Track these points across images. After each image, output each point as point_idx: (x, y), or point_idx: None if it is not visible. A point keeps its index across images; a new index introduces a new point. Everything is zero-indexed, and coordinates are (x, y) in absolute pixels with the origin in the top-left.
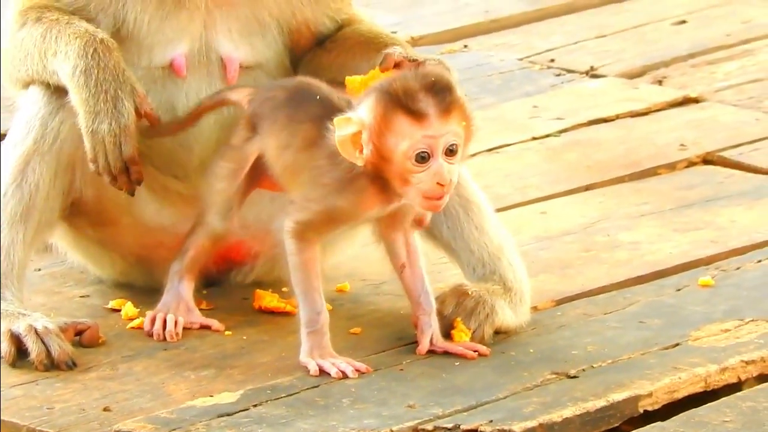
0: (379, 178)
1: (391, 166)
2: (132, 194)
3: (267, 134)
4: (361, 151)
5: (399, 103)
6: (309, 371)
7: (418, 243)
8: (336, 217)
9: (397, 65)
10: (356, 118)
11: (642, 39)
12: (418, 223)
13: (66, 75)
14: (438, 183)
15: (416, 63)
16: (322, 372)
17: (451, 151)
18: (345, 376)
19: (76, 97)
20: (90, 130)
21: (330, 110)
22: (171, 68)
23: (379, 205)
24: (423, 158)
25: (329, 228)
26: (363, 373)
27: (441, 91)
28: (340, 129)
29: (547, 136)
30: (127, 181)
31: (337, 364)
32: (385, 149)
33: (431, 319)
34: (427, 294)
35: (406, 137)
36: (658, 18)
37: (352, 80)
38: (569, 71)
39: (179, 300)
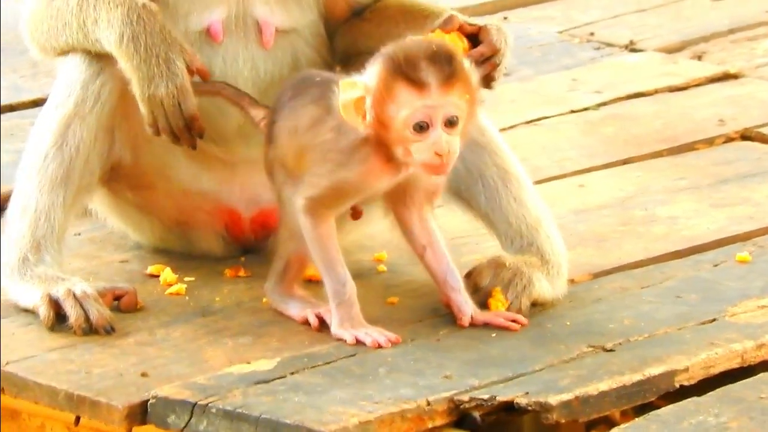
0: (383, 146)
1: (390, 134)
2: (195, 148)
3: (279, 133)
4: (364, 117)
5: (400, 70)
6: (346, 341)
7: (435, 222)
8: (345, 189)
9: (460, 28)
10: (360, 83)
11: (681, 14)
12: (429, 198)
13: (113, 43)
14: (436, 153)
15: (477, 27)
16: (358, 341)
17: (451, 123)
18: (379, 345)
19: (127, 65)
20: (147, 95)
21: (331, 89)
22: (207, 33)
23: (386, 174)
24: (422, 128)
25: (340, 202)
26: (394, 343)
27: (444, 61)
28: (345, 92)
29: (586, 109)
30: (189, 137)
31: (370, 333)
32: (385, 116)
33: (462, 295)
34: (452, 271)
35: (405, 106)
36: None
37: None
38: (608, 45)
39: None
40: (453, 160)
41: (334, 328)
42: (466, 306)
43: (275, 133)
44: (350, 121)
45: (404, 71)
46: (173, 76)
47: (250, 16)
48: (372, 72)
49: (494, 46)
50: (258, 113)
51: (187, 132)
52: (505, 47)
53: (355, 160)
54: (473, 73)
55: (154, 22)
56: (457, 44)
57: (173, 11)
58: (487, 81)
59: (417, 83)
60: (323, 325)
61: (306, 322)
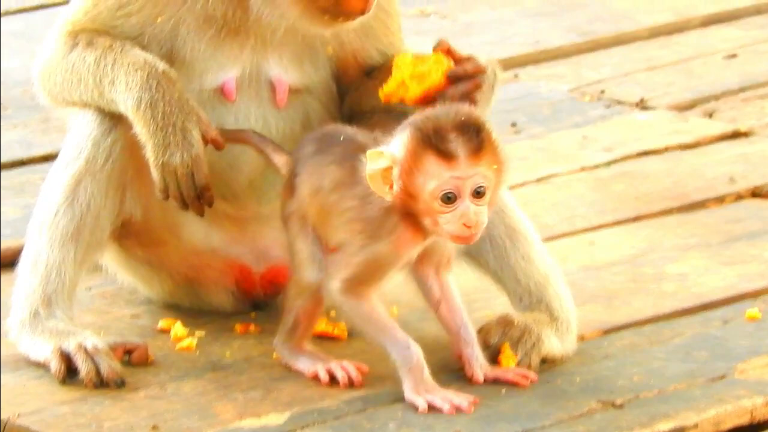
0: (411, 215)
1: (418, 205)
2: (203, 216)
3: (300, 187)
4: (391, 187)
5: (429, 142)
6: (417, 408)
7: (451, 278)
8: (379, 263)
9: (449, 52)
10: (387, 153)
11: (692, 72)
12: (447, 256)
13: (130, 108)
14: (464, 225)
15: (467, 56)
16: (432, 408)
17: (478, 193)
18: (459, 410)
19: (143, 130)
20: (161, 162)
21: (356, 149)
22: (221, 92)
23: (416, 242)
24: (449, 199)
25: (377, 276)
26: (474, 404)
27: (472, 131)
28: (372, 163)
29: (596, 166)
30: (199, 206)
31: (447, 398)
32: (413, 187)
33: (475, 350)
34: (466, 326)
35: (434, 177)
36: (708, 52)
37: (402, 57)
38: (619, 103)
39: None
40: (481, 230)
41: (408, 394)
42: (478, 361)
43: (296, 185)
44: (377, 191)
45: (433, 142)
46: (189, 146)
47: (264, 74)
48: (399, 141)
49: (479, 66)
50: (281, 159)
51: (197, 201)
52: (492, 75)
53: (384, 230)
54: (500, 143)
55: (173, 89)
56: (441, 62)
57: (188, 69)
58: (470, 105)
59: (446, 155)
60: (333, 380)
61: (316, 377)
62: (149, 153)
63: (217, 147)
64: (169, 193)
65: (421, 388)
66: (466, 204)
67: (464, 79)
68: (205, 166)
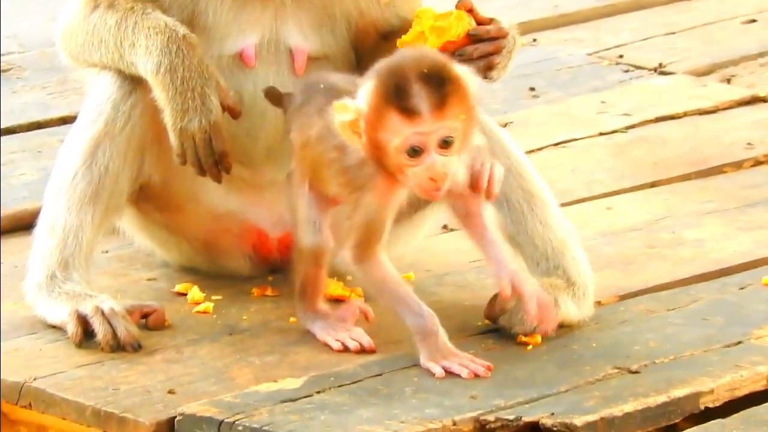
0: (382, 165)
1: (386, 158)
2: (220, 182)
3: (293, 141)
4: (360, 138)
5: (391, 98)
6: (434, 375)
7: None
8: (370, 217)
9: (471, 12)
10: (353, 106)
11: (710, 37)
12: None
13: (149, 72)
14: (430, 178)
15: (489, 18)
16: (449, 374)
17: (446, 143)
18: (476, 375)
19: (161, 95)
20: (179, 127)
21: (337, 97)
22: (240, 58)
23: (395, 190)
24: (416, 152)
25: (375, 232)
26: (489, 370)
27: (435, 83)
28: (339, 115)
29: (614, 132)
30: (216, 172)
31: (465, 363)
32: (378, 141)
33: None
34: (500, 260)
35: (397, 133)
36: (727, 17)
37: (424, 10)
38: (637, 67)
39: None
40: (449, 180)
41: (423, 361)
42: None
43: (292, 143)
44: (350, 141)
45: (395, 98)
46: (207, 112)
47: (283, 41)
48: (363, 93)
49: (502, 30)
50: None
51: (215, 167)
52: (512, 40)
53: (363, 180)
54: (469, 83)
55: (193, 55)
56: (463, 19)
57: (208, 34)
58: (487, 67)
59: (408, 111)
60: (347, 348)
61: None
62: (167, 118)
63: (234, 115)
64: (187, 159)
65: (438, 355)
66: (432, 157)
67: (485, 40)
68: (223, 132)
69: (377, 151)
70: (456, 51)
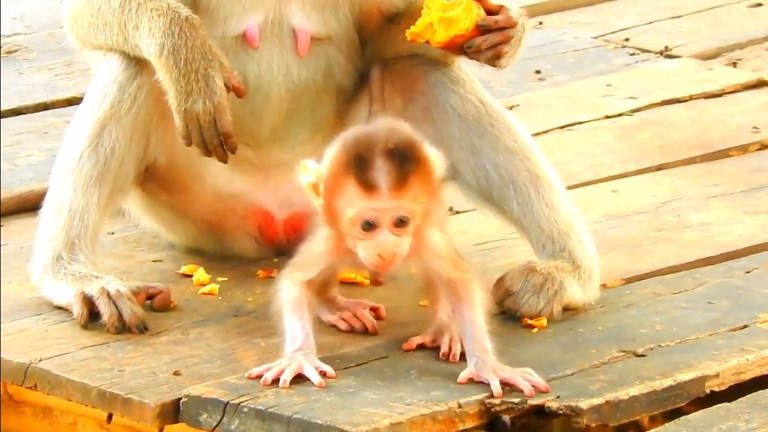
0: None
1: (340, 225)
2: (226, 162)
3: None
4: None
5: (351, 168)
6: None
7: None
8: (311, 260)
9: (480, 0)
10: (314, 168)
11: (717, 21)
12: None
13: (153, 53)
14: (379, 255)
15: (498, 6)
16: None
17: (401, 222)
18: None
19: (165, 77)
20: (183, 109)
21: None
22: (244, 38)
23: (344, 253)
24: (369, 226)
25: (310, 268)
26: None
27: (398, 160)
28: (302, 174)
29: (620, 115)
30: (222, 153)
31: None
32: (334, 209)
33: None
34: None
35: (352, 205)
36: (733, 0)
37: (433, 0)
38: (643, 51)
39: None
40: (399, 259)
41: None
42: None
43: None
44: (312, 200)
45: (355, 169)
46: (211, 93)
47: (287, 23)
48: (326, 159)
49: (511, 19)
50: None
51: (220, 148)
52: (522, 28)
53: (319, 233)
54: (435, 167)
55: (195, 36)
56: (471, 10)
57: (212, 15)
58: (496, 56)
59: (366, 185)
60: (353, 328)
61: (335, 327)
62: (172, 100)
63: (239, 95)
64: (192, 140)
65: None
66: (384, 235)
67: (494, 30)
68: (227, 113)
69: (332, 217)
70: (465, 43)
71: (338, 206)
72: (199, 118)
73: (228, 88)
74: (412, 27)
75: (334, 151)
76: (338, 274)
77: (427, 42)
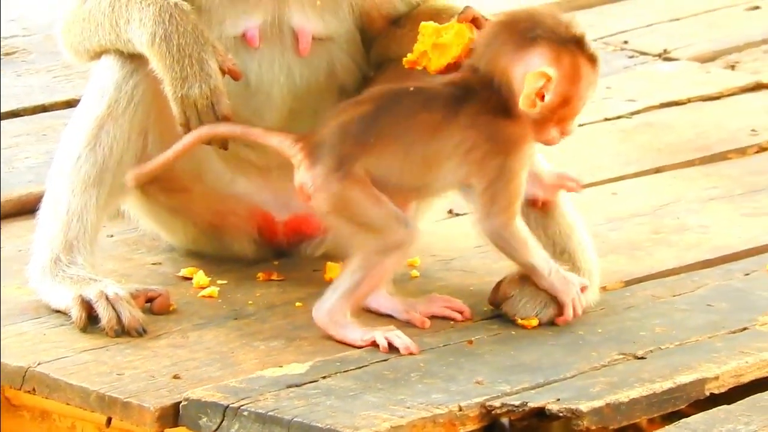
0: (534, 123)
1: (565, 110)
2: (226, 149)
3: (366, 156)
4: (542, 99)
5: (576, 51)
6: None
7: None
8: (517, 179)
9: (474, 20)
10: (546, 71)
11: (715, 23)
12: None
13: (145, 43)
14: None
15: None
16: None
17: None
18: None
19: (159, 65)
20: (179, 95)
21: (431, 94)
22: (243, 39)
23: (532, 148)
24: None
25: (520, 193)
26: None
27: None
28: (534, 83)
29: (619, 117)
30: (222, 138)
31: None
32: (571, 95)
33: None
34: None
35: (591, 82)
36: (732, 3)
37: (426, 26)
38: (642, 53)
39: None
40: None
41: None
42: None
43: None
44: (526, 107)
45: (584, 51)
46: (207, 77)
47: (287, 23)
48: (543, 58)
49: None
50: (283, 141)
51: None
52: None
53: (505, 145)
54: None
55: (186, 21)
56: (463, 35)
57: (210, 17)
58: None
59: (594, 60)
60: (392, 348)
61: (374, 345)
62: (167, 87)
63: (235, 77)
64: (191, 127)
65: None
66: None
67: None
68: (224, 97)
69: (560, 106)
70: (460, 63)
71: (577, 90)
72: (197, 103)
73: (223, 72)
74: (408, 55)
75: (547, 50)
76: None
77: (424, 68)
